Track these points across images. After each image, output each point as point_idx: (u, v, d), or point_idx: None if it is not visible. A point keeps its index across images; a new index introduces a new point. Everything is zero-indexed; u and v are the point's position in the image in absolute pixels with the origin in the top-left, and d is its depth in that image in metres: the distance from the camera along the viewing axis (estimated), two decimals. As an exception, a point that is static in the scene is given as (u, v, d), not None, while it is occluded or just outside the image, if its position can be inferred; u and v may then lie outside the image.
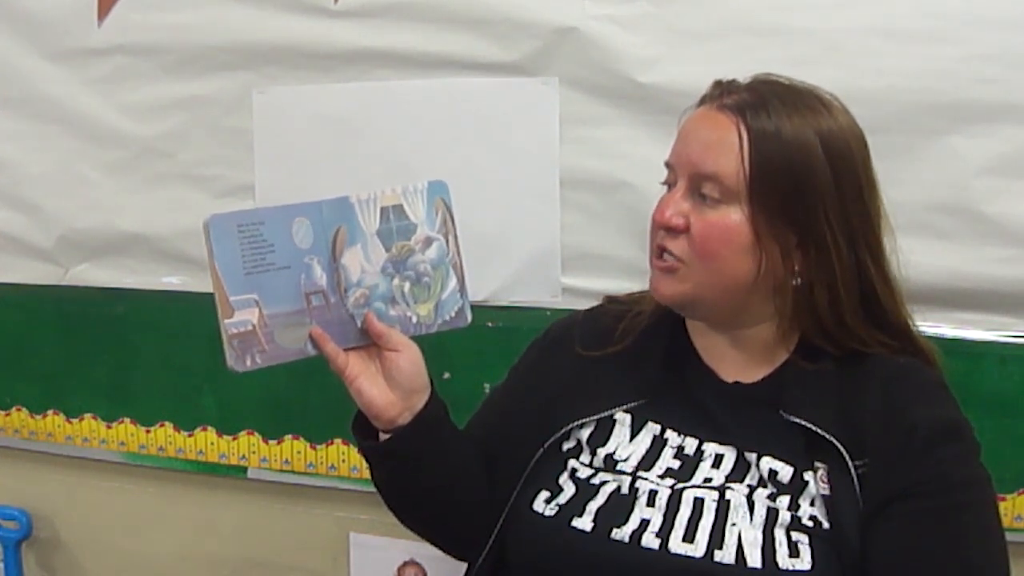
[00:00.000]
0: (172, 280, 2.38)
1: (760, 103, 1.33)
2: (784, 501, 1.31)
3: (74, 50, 2.36)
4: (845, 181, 1.32)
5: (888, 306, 1.38)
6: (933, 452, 1.29)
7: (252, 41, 2.23)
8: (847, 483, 1.29)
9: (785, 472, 1.33)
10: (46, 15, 2.36)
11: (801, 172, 1.30)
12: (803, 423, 1.33)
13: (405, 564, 2.32)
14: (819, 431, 1.32)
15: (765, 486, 1.33)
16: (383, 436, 1.39)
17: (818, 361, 1.38)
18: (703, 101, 1.41)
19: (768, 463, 1.34)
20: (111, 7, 2.32)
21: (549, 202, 2.09)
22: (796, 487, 1.32)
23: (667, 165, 1.41)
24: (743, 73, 1.41)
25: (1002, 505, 1.73)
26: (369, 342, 1.36)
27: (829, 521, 1.29)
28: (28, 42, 2.39)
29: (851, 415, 1.33)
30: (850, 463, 1.30)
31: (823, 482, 1.31)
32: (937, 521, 1.27)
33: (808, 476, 1.32)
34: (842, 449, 1.30)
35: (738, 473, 1.36)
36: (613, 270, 2.04)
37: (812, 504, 1.31)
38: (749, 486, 1.34)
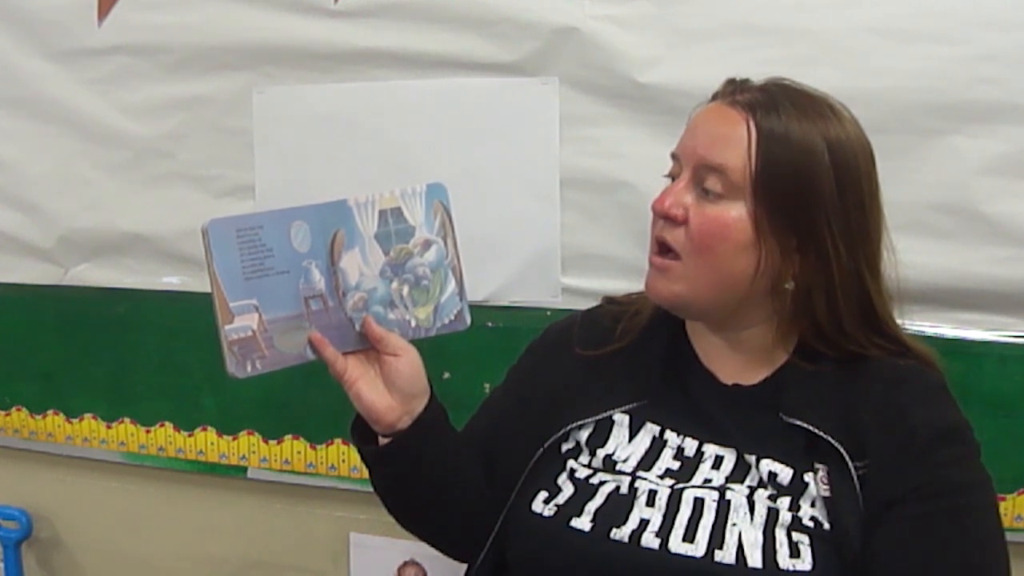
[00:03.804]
0: (172, 280, 2.38)
1: (771, 104, 1.33)
2: (785, 502, 1.31)
3: (74, 50, 2.36)
4: (848, 190, 1.32)
5: (883, 317, 1.38)
6: (934, 455, 1.29)
7: (252, 41, 2.23)
8: (848, 484, 1.29)
9: (785, 474, 1.33)
10: (46, 15, 2.36)
11: (806, 175, 1.30)
12: (803, 425, 1.33)
13: (405, 564, 2.32)
14: (819, 433, 1.32)
15: (765, 487, 1.33)
16: (382, 440, 1.39)
17: (817, 363, 1.37)
18: (715, 97, 1.41)
19: (768, 465, 1.34)
20: (111, 7, 2.32)
21: (549, 202, 2.09)
22: (796, 488, 1.32)
23: (673, 156, 1.41)
24: (743, 73, 1.41)
25: (1002, 505, 1.73)
26: (368, 346, 1.36)
27: (830, 522, 1.29)
28: (28, 42, 2.39)
29: (851, 417, 1.33)
30: (850, 464, 1.30)
31: (823, 483, 1.31)
32: (938, 524, 1.27)
33: (808, 477, 1.32)
34: (842, 451, 1.30)
35: (738, 474, 1.36)
36: (613, 270, 2.04)
37: (813, 505, 1.31)
38: (749, 487, 1.34)
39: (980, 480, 1.32)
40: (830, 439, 1.31)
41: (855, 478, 1.29)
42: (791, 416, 1.34)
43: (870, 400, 1.34)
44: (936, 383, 1.39)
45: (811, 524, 1.29)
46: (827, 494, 1.30)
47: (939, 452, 1.30)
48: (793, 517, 1.30)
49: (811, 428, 1.32)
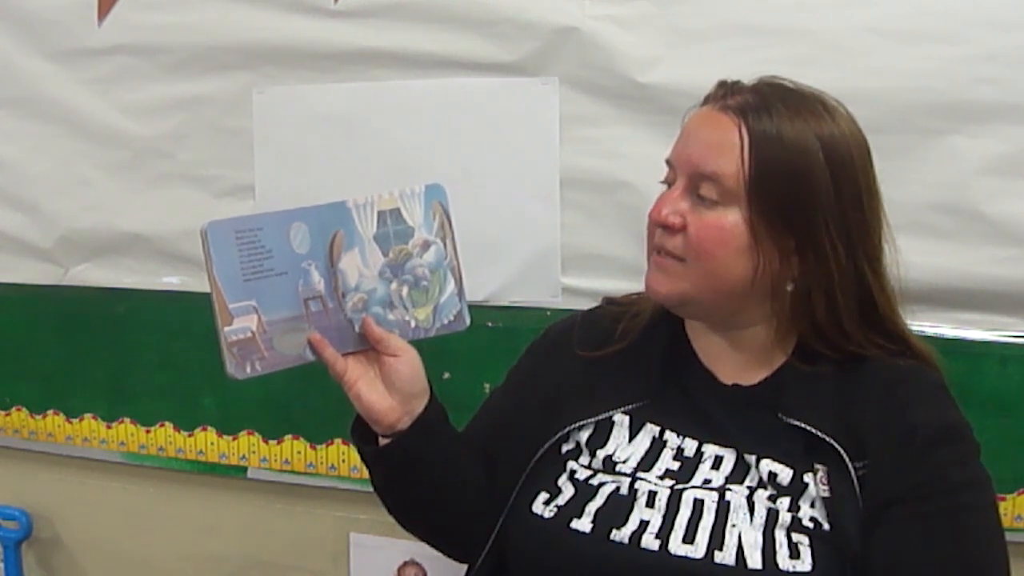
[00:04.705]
0: (172, 280, 2.39)
1: (763, 106, 1.33)
2: (784, 503, 1.31)
3: (74, 50, 2.36)
4: (845, 187, 1.32)
5: (886, 314, 1.38)
6: (933, 454, 1.29)
7: (252, 41, 2.23)
8: (847, 485, 1.29)
9: (785, 474, 1.33)
10: (46, 15, 2.37)
11: (801, 176, 1.30)
12: (802, 425, 1.33)
13: (405, 564, 2.32)
14: (818, 433, 1.32)
15: (765, 488, 1.33)
16: (382, 440, 1.39)
17: (816, 363, 1.37)
18: (707, 101, 1.40)
19: (768, 465, 1.34)
20: (111, 7, 2.32)
21: (549, 202, 2.09)
22: (796, 489, 1.32)
23: (667, 163, 1.41)
24: (743, 73, 1.40)
25: (1002, 505, 1.74)
26: (368, 347, 1.36)
27: (829, 522, 1.29)
28: (28, 42, 2.39)
29: (850, 417, 1.33)
30: (850, 465, 1.30)
31: (823, 484, 1.30)
32: (938, 524, 1.27)
33: (808, 478, 1.32)
34: (841, 451, 1.30)
35: (738, 475, 1.36)
36: (613, 270, 2.04)
37: (812, 506, 1.31)
38: (749, 487, 1.34)
39: (980, 480, 1.32)
40: (829, 440, 1.31)
41: (855, 479, 1.29)
42: (790, 416, 1.34)
43: (869, 400, 1.34)
44: (936, 383, 1.39)
45: (811, 525, 1.29)
46: (827, 495, 1.30)
47: (939, 452, 1.29)
48: (793, 518, 1.29)
49: (810, 428, 1.32)
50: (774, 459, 1.34)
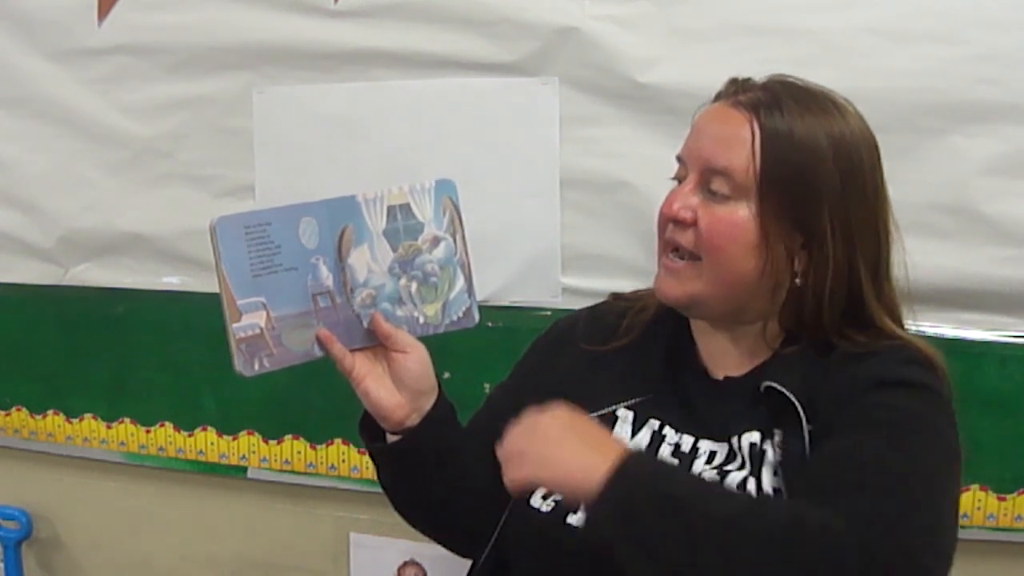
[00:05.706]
0: (172, 280, 2.39)
1: (774, 102, 1.33)
2: (755, 479, 1.30)
3: (74, 50, 2.36)
4: (852, 186, 1.32)
5: (874, 317, 1.36)
6: (870, 394, 1.26)
7: (252, 41, 2.23)
8: (799, 447, 1.27)
9: (756, 439, 1.32)
10: (46, 15, 2.36)
11: (810, 173, 1.31)
12: (772, 385, 1.31)
13: (405, 564, 2.32)
14: (782, 390, 1.29)
15: (744, 467, 1.32)
16: (391, 437, 1.40)
17: (796, 344, 1.37)
18: (718, 97, 1.41)
19: (747, 438, 1.33)
20: (111, 7, 2.32)
21: (549, 202, 2.10)
22: (758, 458, 1.31)
23: (678, 159, 1.41)
24: (743, 73, 1.41)
25: (1002, 505, 1.74)
26: (376, 343, 1.36)
27: (786, 490, 1.27)
28: (28, 42, 2.39)
29: (816, 384, 1.30)
30: (805, 426, 1.27)
31: (778, 448, 1.29)
32: (848, 427, 1.22)
33: (766, 445, 1.31)
34: (799, 408, 1.27)
35: (729, 464, 1.36)
36: (613, 270, 2.03)
37: (775, 474, 1.29)
38: (743, 476, 1.33)
39: (928, 415, 1.25)
40: (789, 395, 1.29)
41: (806, 441, 1.27)
42: (763, 381, 1.33)
43: (833, 371, 1.31)
44: (909, 356, 1.34)
45: (771, 494, 1.28)
46: (780, 459, 1.28)
47: (878, 393, 1.26)
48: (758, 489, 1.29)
49: (777, 386, 1.30)
50: (750, 429, 1.33)
